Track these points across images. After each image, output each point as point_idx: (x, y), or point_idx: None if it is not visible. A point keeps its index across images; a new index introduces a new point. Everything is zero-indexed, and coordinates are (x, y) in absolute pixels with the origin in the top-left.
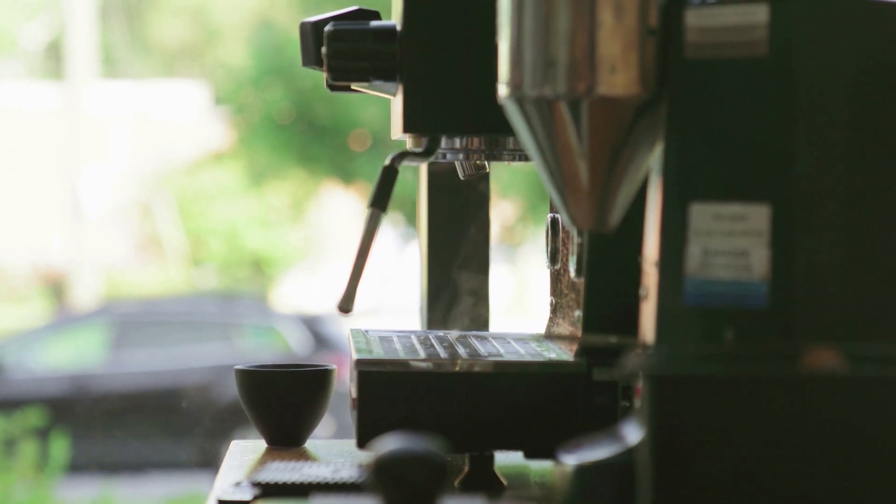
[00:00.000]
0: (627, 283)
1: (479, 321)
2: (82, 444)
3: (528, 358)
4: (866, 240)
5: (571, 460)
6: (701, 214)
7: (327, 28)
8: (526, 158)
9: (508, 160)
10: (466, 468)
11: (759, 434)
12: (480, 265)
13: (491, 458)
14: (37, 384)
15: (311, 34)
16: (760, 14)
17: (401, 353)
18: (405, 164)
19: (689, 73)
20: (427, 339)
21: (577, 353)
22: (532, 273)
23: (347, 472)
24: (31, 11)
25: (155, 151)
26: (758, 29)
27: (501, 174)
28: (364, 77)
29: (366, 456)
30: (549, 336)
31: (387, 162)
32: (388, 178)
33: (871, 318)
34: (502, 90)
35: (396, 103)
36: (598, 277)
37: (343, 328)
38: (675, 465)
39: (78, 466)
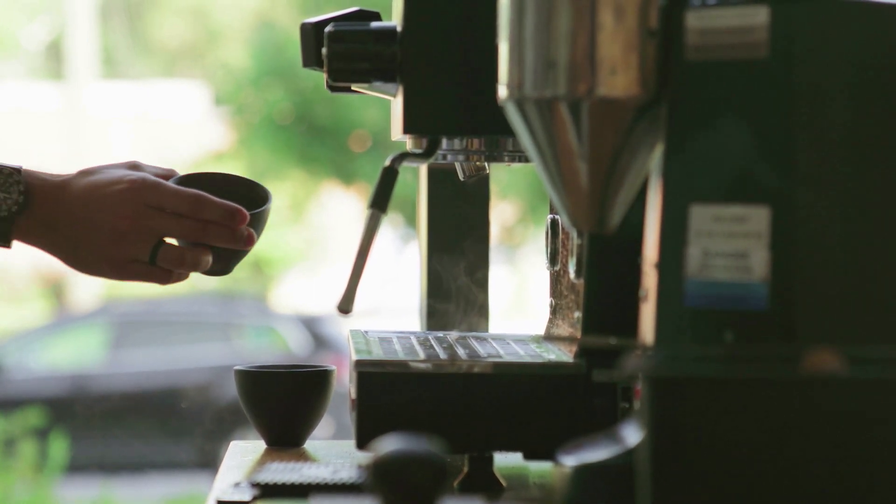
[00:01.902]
0: (627, 285)
1: (479, 322)
2: (82, 445)
3: (527, 359)
4: (866, 241)
5: (571, 461)
6: (701, 216)
7: (328, 29)
8: (526, 159)
9: (508, 161)
10: (466, 469)
11: (758, 436)
12: (480, 266)
13: (490, 459)
14: (36, 384)
15: (312, 35)
16: (761, 16)
17: (400, 354)
18: (405, 165)
19: (690, 74)
20: (426, 339)
21: (577, 355)
22: (532, 274)
23: (347, 473)
24: (32, 12)
25: (155, 151)
26: (758, 31)
27: (501, 175)
28: (364, 78)
29: (365, 457)
30: (549, 337)
31: (387, 163)
32: (388, 179)
33: (872, 320)
34: (502, 91)
35: (396, 104)
36: (598, 279)
37: (343, 329)
38: (674, 466)
39: (77, 466)
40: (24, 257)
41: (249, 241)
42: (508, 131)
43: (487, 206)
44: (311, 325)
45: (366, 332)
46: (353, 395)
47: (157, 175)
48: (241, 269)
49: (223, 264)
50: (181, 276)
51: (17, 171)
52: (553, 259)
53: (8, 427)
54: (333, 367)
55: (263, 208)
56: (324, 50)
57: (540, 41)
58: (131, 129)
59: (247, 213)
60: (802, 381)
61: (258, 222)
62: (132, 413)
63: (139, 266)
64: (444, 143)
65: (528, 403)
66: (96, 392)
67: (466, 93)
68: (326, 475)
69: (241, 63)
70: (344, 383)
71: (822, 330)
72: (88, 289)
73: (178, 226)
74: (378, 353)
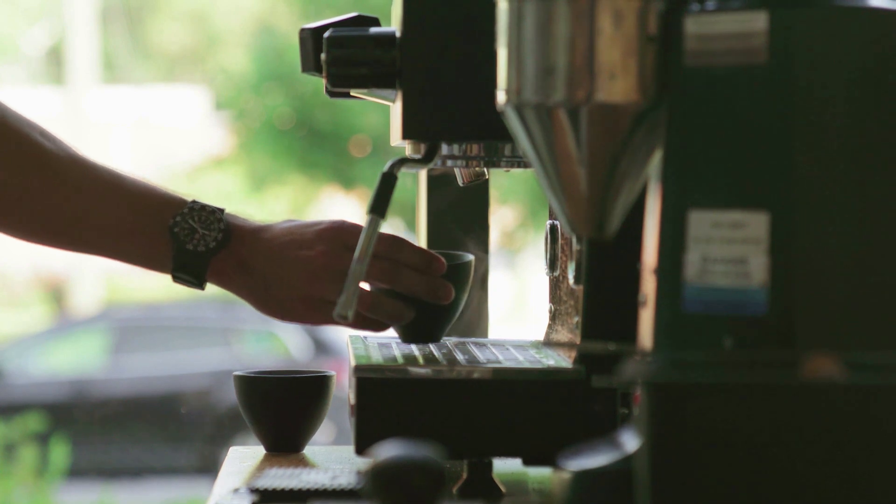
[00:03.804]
0: (626, 290)
1: (478, 327)
2: (82, 450)
3: (526, 365)
4: (866, 247)
5: (570, 467)
6: (700, 222)
7: (327, 34)
8: (525, 165)
9: (508, 167)
10: (465, 475)
11: (757, 442)
12: (479, 271)
13: (489, 465)
14: (37, 389)
15: (311, 40)
16: (760, 21)
17: (399, 360)
18: (404, 171)
19: (689, 80)
20: (426, 345)
21: (576, 360)
22: (531, 279)
23: (346, 479)
24: (33, 17)
25: (156, 156)
26: (757, 36)
27: (501, 180)
28: (363, 83)
29: (364, 462)
30: (548, 343)
31: (385, 168)
32: (387, 185)
33: (871, 326)
34: (501, 97)
35: (396, 109)
36: (597, 284)
37: (342, 334)
38: (673, 472)
39: (77, 471)
40: (26, 262)
41: (446, 295)
42: (507, 137)
43: (487, 211)
44: (311, 331)
45: (365, 337)
46: (353, 401)
47: None
48: None
49: (425, 325)
50: (380, 325)
51: (219, 211)
52: (552, 264)
53: (8, 432)
54: (333, 373)
55: (465, 261)
56: (323, 55)
57: (539, 47)
58: (132, 133)
59: (444, 262)
60: (802, 387)
61: (458, 278)
62: (132, 418)
63: (332, 307)
64: (444, 148)
65: (528, 409)
66: (96, 397)
67: (465, 98)
68: (325, 481)
69: (241, 68)
70: (344, 388)
71: (821, 335)
72: (89, 294)
73: (371, 267)
74: (377, 359)
